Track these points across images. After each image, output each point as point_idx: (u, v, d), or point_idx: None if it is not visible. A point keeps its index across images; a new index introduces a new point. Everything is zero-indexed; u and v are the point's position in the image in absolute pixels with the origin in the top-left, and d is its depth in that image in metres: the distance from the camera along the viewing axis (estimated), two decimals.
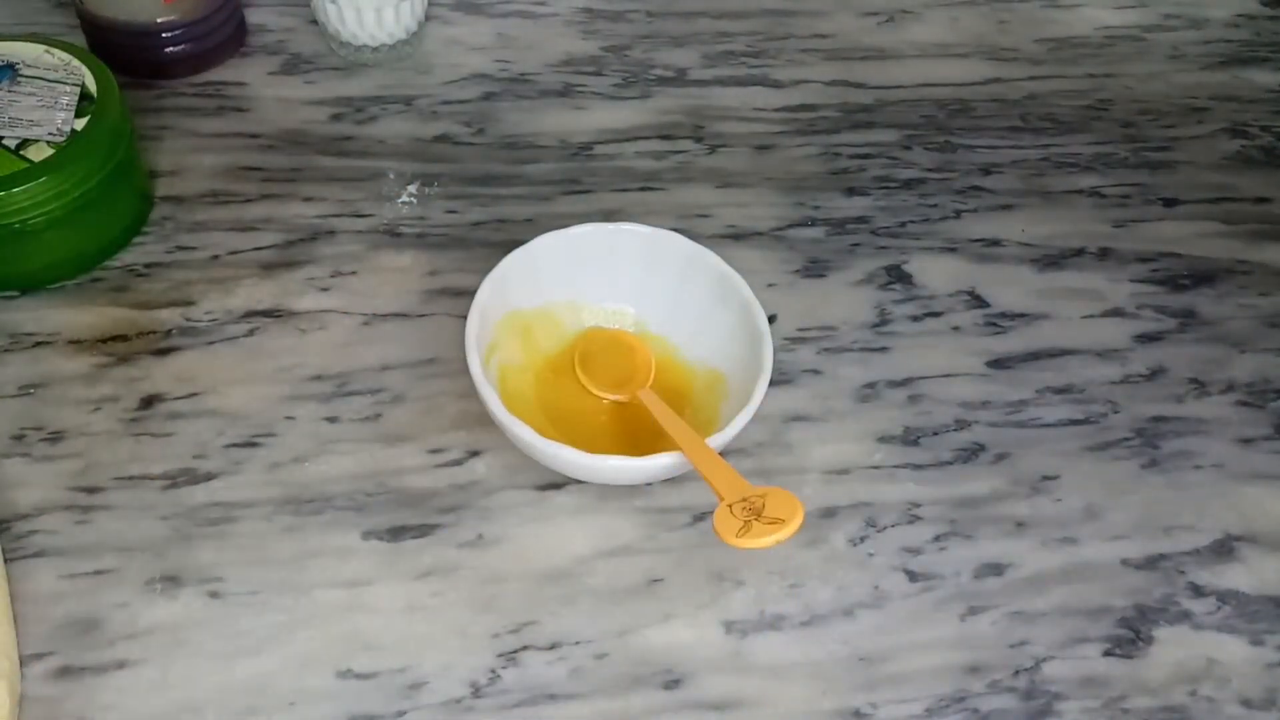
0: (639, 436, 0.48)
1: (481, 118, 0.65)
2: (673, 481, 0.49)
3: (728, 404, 0.48)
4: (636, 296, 0.53)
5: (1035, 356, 0.57)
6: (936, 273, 0.60)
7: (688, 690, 0.43)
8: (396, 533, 0.47)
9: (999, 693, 0.45)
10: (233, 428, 0.49)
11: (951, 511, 0.50)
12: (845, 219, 0.62)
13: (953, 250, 0.61)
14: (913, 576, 0.48)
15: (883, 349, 0.56)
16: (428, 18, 0.70)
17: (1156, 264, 0.63)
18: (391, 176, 0.61)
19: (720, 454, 0.44)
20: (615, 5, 0.74)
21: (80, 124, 0.51)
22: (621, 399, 0.51)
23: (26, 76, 0.52)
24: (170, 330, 0.52)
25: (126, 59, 0.61)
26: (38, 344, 0.51)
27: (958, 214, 0.63)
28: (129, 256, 0.55)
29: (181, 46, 0.63)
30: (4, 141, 0.49)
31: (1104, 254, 0.63)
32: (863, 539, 0.49)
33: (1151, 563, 0.50)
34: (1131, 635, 0.47)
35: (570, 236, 0.51)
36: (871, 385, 0.55)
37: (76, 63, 0.53)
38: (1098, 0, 0.81)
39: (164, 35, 0.62)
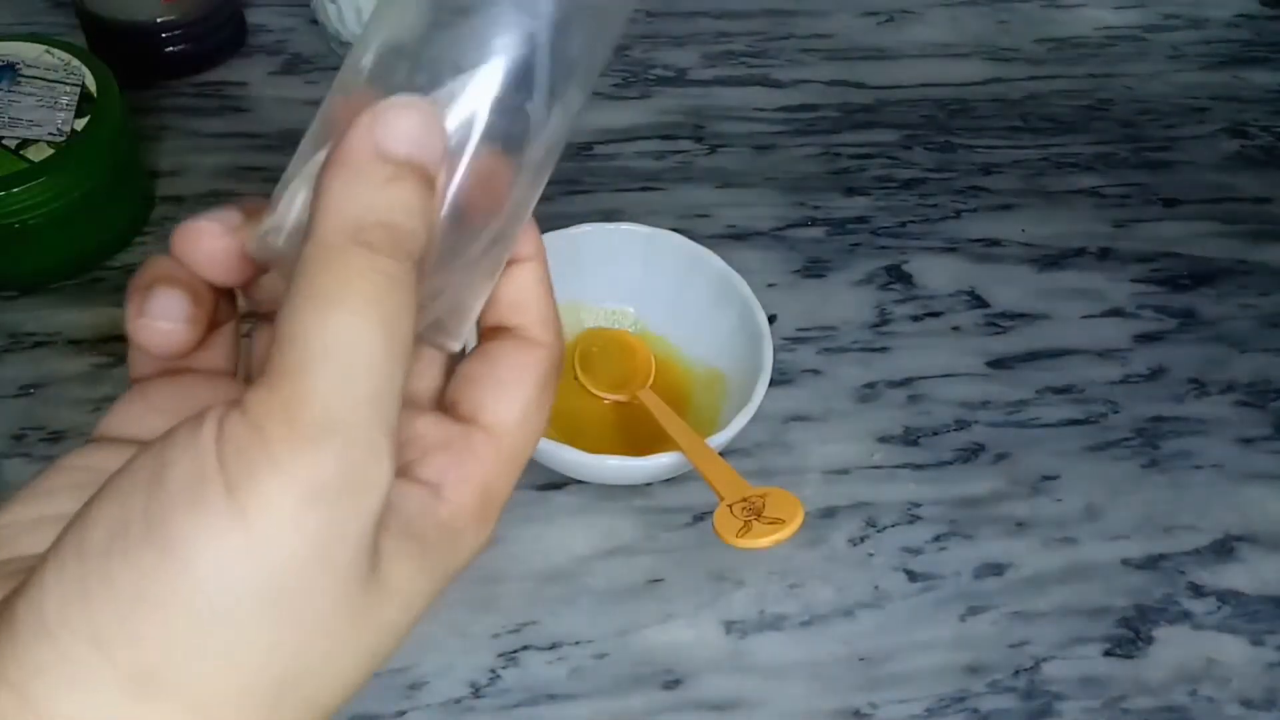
0: (639, 436, 0.48)
1: None
2: (673, 481, 0.49)
3: (728, 404, 0.48)
4: (636, 296, 0.53)
5: (1035, 356, 0.57)
6: (936, 273, 0.60)
7: (688, 690, 0.43)
8: None
9: (999, 693, 0.45)
10: None
11: (951, 511, 0.50)
12: (845, 219, 0.62)
13: (953, 250, 0.61)
14: (913, 576, 0.48)
15: (883, 349, 0.56)
16: None
17: (1156, 264, 0.63)
18: None
19: (720, 454, 0.44)
20: None
21: (80, 124, 0.51)
22: (621, 399, 0.51)
23: (26, 76, 0.52)
24: None
25: (126, 59, 0.61)
26: (38, 344, 0.51)
27: (958, 214, 0.63)
28: (129, 256, 0.55)
29: (181, 46, 0.63)
30: (4, 141, 0.49)
31: (1104, 254, 0.63)
32: (863, 539, 0.49)
33: (1151, 563, 0.49)
34: (1131, 635, 0.47)
35: (570, 236, 0.51)
36: (871, 385, 0.54)
37: (76, 63, 0.53)
38: (1098, 0, 0.81)
39: (164, 35, 0.62)
